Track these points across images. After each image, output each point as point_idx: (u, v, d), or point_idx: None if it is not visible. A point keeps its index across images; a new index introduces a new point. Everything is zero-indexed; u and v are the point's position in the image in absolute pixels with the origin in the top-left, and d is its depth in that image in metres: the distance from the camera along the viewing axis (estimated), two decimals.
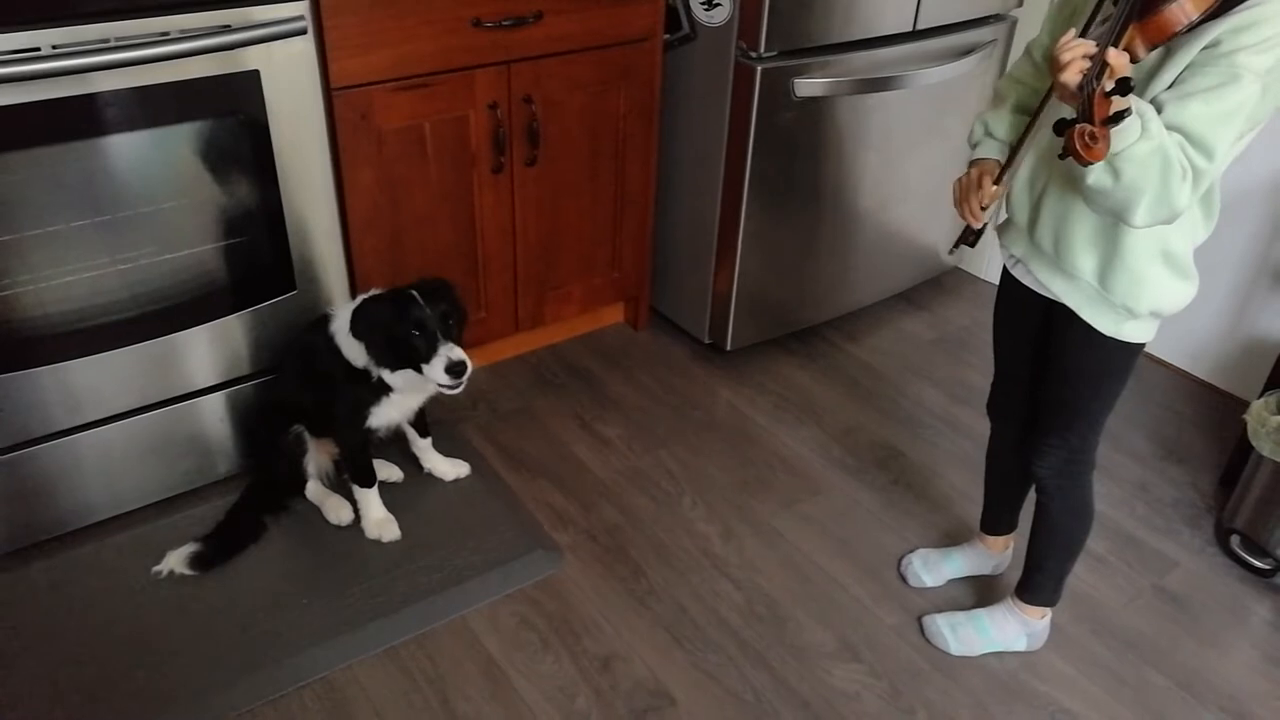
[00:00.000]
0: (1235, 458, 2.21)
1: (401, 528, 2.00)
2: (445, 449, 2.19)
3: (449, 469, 2.17)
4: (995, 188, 1.44)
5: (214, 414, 2.03)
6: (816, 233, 2.54)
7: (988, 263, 3.06)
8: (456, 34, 1.99)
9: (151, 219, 1.80)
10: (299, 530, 2.02)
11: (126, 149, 1.73)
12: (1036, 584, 1.78)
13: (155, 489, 2.02)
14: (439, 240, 2.20)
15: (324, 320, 1.91)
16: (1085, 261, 1.41)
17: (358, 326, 1.81)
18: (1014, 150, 1.43)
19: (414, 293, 1.79)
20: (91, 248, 1.76)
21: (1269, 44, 1.17)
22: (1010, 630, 1.83)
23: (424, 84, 2.00)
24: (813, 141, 2.37)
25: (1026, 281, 1.53)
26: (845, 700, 1.74)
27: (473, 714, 1.68)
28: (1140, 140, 1.16)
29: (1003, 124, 1.50)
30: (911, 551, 2.03)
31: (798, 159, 2.37)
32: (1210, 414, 2.54)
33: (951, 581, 1.98)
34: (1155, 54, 1.25)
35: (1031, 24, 2.62)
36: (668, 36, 2.35)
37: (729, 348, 2.59)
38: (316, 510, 2.05)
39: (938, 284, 3.04)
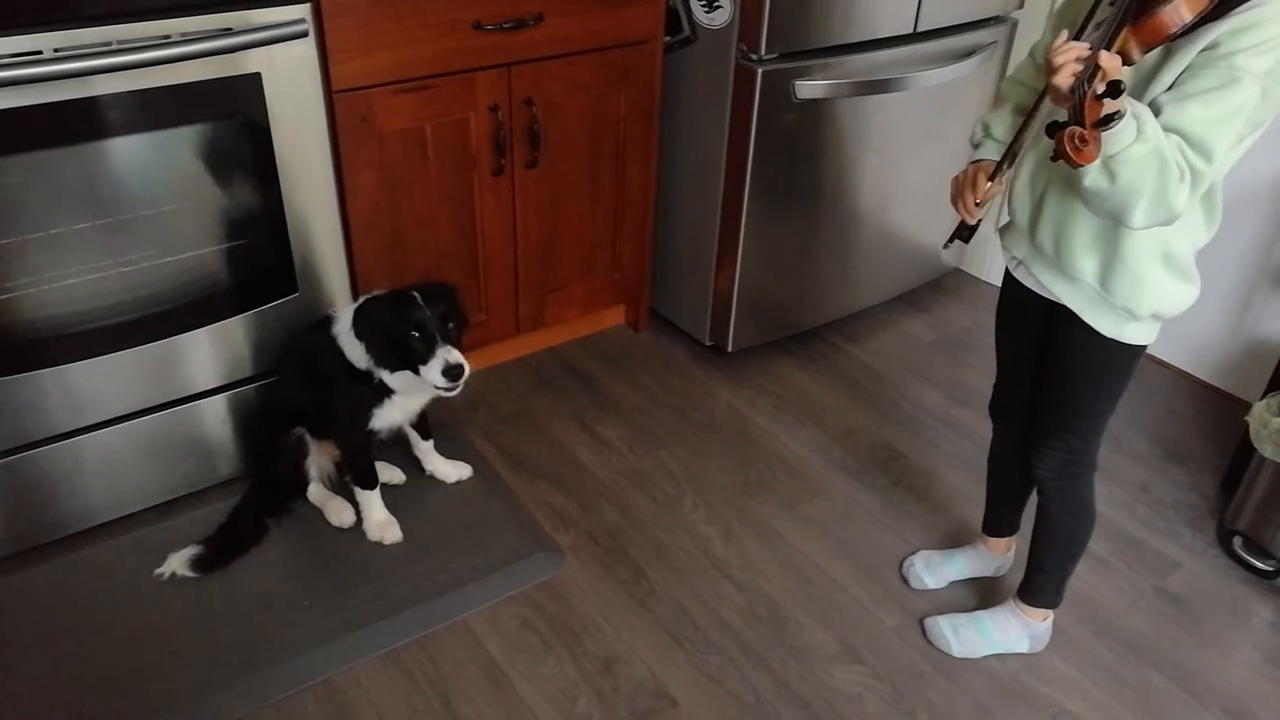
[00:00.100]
0: (1237, 459, 2.21)
1: (403, 530, 2.00)
2: (447, 451, 2.19)
3: (450, 471, 2.17)
4: (990, 185, 1.44)
5: (215, 416, 2.03)
6: (817, 234, 2.54)
7: (988, 264, 3.06)
8: (457, 36, 1.99)
9: (153, 222, 1.80)
10: (300, 532, 2.02)
11: (128, 152, 1.73)
12: (1038, 586, 1.78)
13: (157, 491, 2.02)
14: (440, 242, 2.20)
15: (326, 322, 1.91)
16: (1086, 263, 1.41)
17: (359, 325, 1.82)
18: (1010, 149, 1.43)
19: (415, 294, 1.79)
20: (93, 250, 1.76)
21: (1268, 45, 1.17)
22: (1012, 632, 1.82)
23: (425, 86, 2.00)
24: (813, 143, 2.37)
25: (1028, 283, 1.53)
26: (846, 702, 1.74)
27: (474, 716, 1.68)
28: (1136, 142, 1.16)
29: (1003, 124, 1.51)
30: (913, 553, 2.03)
31: (798, 161, 2.38)
32: (1212, 415, 2.54)
33: (953, 583, 1.98)
34: (1154, 56, 1.25)
35: (1032, 26, 2.63)
36: (668, 39, 2.35)
37: (729, 349, 2.59)
38: (318, 512, 2.05)
39: (938, 285, 3.04)
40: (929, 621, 1.88)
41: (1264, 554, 2.03)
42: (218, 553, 1.90)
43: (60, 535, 1.94)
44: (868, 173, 2.53)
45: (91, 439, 1.89)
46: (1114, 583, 2.02)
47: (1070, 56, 1.13)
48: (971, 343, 2.78)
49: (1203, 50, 1.20)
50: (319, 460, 2.06)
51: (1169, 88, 1.23)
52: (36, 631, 1.76)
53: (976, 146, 1.54)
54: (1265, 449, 1.95)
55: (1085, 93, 1.10)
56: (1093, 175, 1.21)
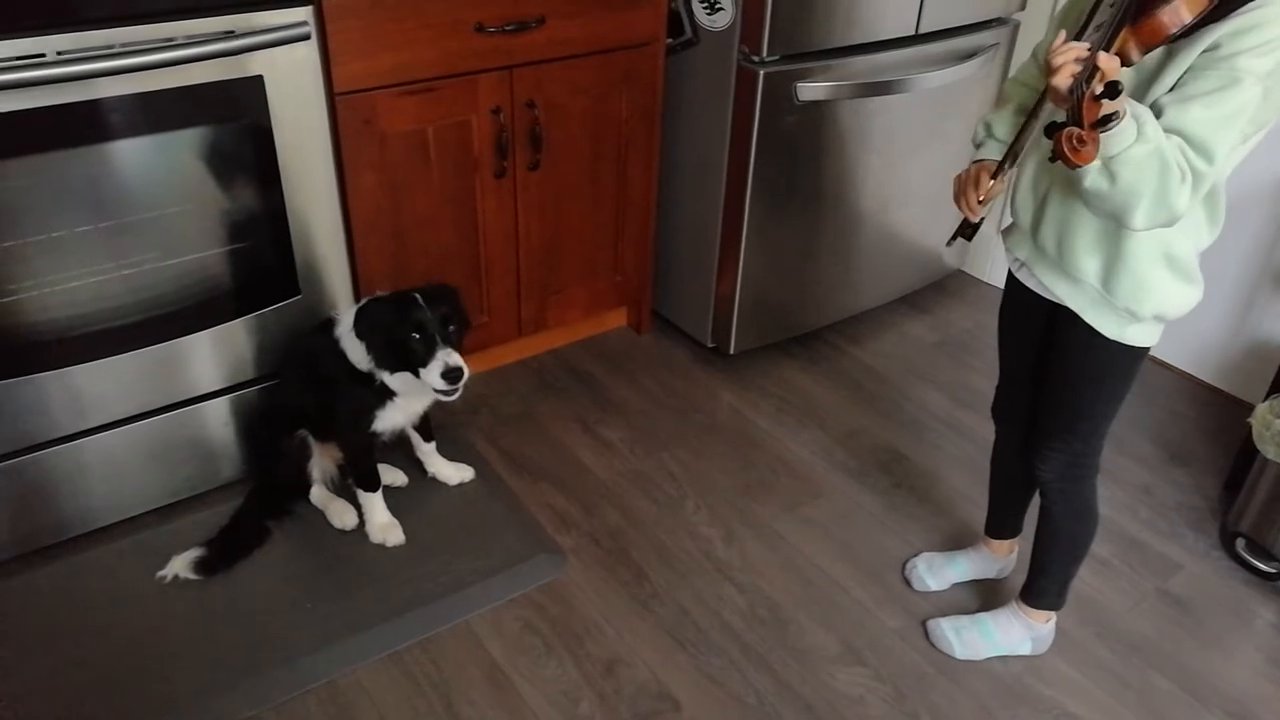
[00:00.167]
0: (1240, 461, 2.21)
1: (405, 532, 2.00)
2: (449, 453, 2.20)
3: (453, 473, 2.17)
4: (993, 184, 1.44)
5: (218, 419, 2.03)
6: (819, 236, 2.54)
7: (990, 266, 3.06)
8: (459, 39, 2.00)
9: (155, 224, 1.81)
10: (303, 535, 2.02)
11: (131, 155, 1.73)
12: (1041, 588, 1.78)
13: (159, 494, 2.03)
14: (442, 244, 2.20)
15: (328, 324, 1.91)
16: (1088, 264, 1.41)
17: (359, 326, 1.82)
18: (1011, 148, 1.43)
19: (417, 296, 1.79)
20: (96, 253, 1.77)
21: (1270, 47, 1.17)
22: (1015, 634, 1.82)
23: (427, 89, 2.00)
24: (815, 145, 2.37)
25: (1030, 285, 1.53)
26: (849, 704, 1.74)
27: (476, 718, 1.68)
28: (1137, 143, 1.16)
29: (1004, 124, 1.51)
30: (915, 555, 2.03)
31: (800, 163, 2.38)
32: (1214, 417, 2.53)
33: (956, 585, 1.98)
34: (1156, 58, 1.25)
35: (1034, 27, 2.63)
36: (670, 41, 2.35)
37: (731, 351, 2.59)
38: (320, 515, 2.05)
39: (940, 287, 3.04)
40: (931, 623, 1.88)
41: (1267, 556, 2.03)
42: (220, 555, 1.90)
43: (63, 538, 1.94)
44: (870, 174, 2.53)
45: (94, 442, 1.89)
46: (1117, 585, 2.02)
47: (1069, 57, 1.14)
48: (974, 344, 2.78)
49: (1204, 51, 1.20)
50: (321, 462, 2.06)
51: (1170, 89, 1.23)
52: (38, 633, 1.76)
53: (978, 146, 1.54)
54: (1268, 450, 1.95)
55: (1083, 93, 1.11)
56: (1093, 176, 1.21)
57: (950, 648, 1.83)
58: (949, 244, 1.58)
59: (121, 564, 1.91)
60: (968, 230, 1.52)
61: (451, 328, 1.80)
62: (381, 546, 1.99)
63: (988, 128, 1.53)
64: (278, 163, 1.87)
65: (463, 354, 1.80)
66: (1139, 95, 1.27)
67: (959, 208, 1.50)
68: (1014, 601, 1.83)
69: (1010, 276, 1.59)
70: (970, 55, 2.52)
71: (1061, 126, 1.14)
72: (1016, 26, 2.66)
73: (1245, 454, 2.14)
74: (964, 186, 1.49)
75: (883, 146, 2.50)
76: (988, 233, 2.98)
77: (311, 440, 2.03)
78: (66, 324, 1.79)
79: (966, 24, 2.51)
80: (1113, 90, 1.10)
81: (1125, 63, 1.17)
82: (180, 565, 1.88)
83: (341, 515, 2.03)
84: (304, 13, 1.78)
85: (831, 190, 2.48)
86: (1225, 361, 2.60)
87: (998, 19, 2.59)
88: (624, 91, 2.31)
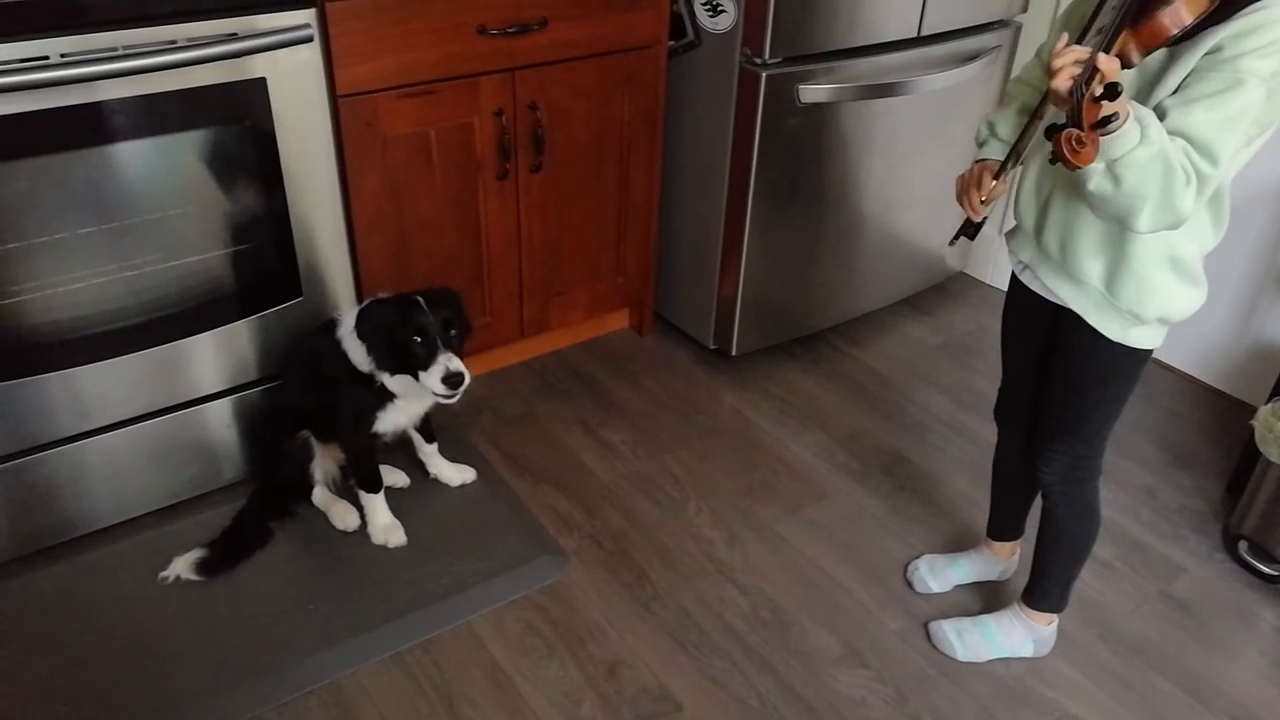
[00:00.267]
0: (1242, 463, 2.20)
1: (407, 533, 2.01)
2: (451, 454, 2.20)
3: (455, 474, 2.17)
4: (995, 184, 1.44)
5: (220, 420, 2.04)
6: (821, 238, 2.54)
7: (992, 268, 3.05)
8: (462, 41, 2.00)
9: (158, 226, 1.81)
10: (305, 536, 2.02)
11: (134, 157, 1.74)
12: (1043, 590, 1.78)
13: (161, 495, 2.03)
14: (444, 246, 2.20)
15: (330, 325, 1.92)
16: (1092, 267, 1.41)
17: (361, 327, 1.82)
18: (1014, 148, 1.43)
19: (419, 299, 1.79)
20: (98, 254, 1.77)
21: (1273, 48, 1.17)
22: (1017, 636, 1.82)
23: (429, 91, 2.01)
24: (817, 147, 2.37)
25: (1034, 287, 1.53)
26: (851, 706, 1.74)
27: None
28: (1140, 146, 1.16)
29: (1008, 124, 1.51)
30: (918, 557, 2.02)
31: (802, 165, 2.38)
32: (1217, 419, 2.53)
33: (958, 587, 1.98)
34: (1159, 60, 1.25)
35: (1036, 29, 2.63)
36: (672, 43, 2.36)
37: (734, 353, 2.59)
38: (322, 516, 2.06)
39: (943, 289, 3.04)
40: (933, 625, 1.87)
41: (1270, 558, 2.02)
42: (222, 556, 1.91)
43: (65, 538, 1.94)
44: (872, 176, 2.53)
45: (97, 443, 1.89)
46: (1119, 587, 2.01)
47: (1069, 60, 1.14)
48: (976, 346, 2.78)
49: (1207, 54, 1.20)
50: (323, 464, 2.06)
51: (1174, 92, 1.23)
52: (40, 634, 1.77)
53: (981, 145, 1.54)
54: (1271, 453, 1.95)
55: (1083, 95, 1.11)
56: (1097, 179, 1.21)
57: (952, 650, 1.83)
58: (951, 243, 1.58)
59: (124, 565, 1.91)
60: (970, 230, 1.53)
61: (453, 332, 1.80)
62: (383, 548, 1.99)
63: (990, 127, 1.53)
64: (280, 165, 1.87)
65: (464, 357, 1.80)
66: (1142, 98, 1.27)
67: (962, 207, 1.50)
68: (1016, 603, 1.83)
69: (1013, 279, 1.59)
70: (972, 57, 2.52)
71: (1061, 128, 1.14)
72: (1019, 28, 2.66)
73: (1248, 456, 2.14)
74: (966, 187, 1.49)
75: (885, 148, 2.50)
76: (990, 235, 2.98)
77: (314, 441, 2.03)
78: (69, 325, 1.79)
79: (969, 26, 2.51)
80: (1112, 92, 1.10)
81: (1126, 65, 1.17)
82: (182, 566, 1.88)
83: (343, 516, 2.03)
84: (307, 15, 1.78)
85: (834, 192, 2.48)
86: (1228, 364, 2.60)
87: (1000, 21, 2.59)
88: (626, 93, 2.31)
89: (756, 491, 2.22)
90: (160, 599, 1.85)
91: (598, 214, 2.43)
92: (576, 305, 2.54)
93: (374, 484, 2.00)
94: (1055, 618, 1.82)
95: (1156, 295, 1.39)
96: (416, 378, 1.79)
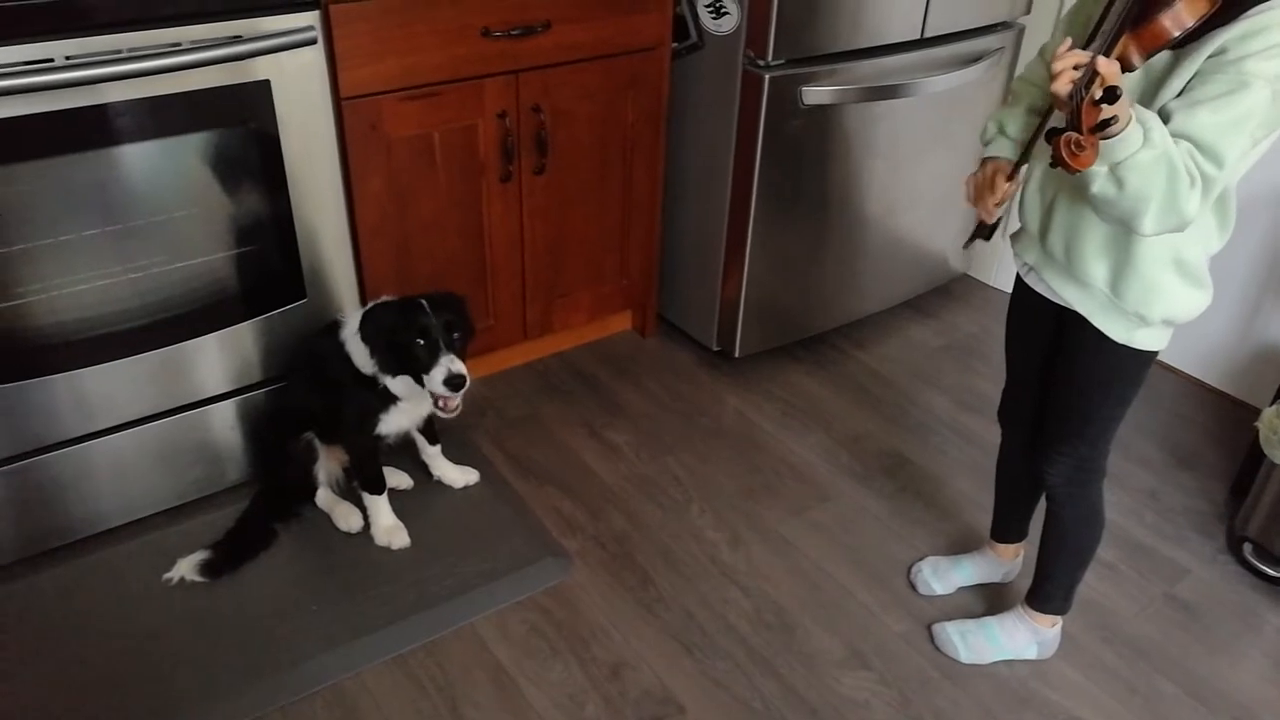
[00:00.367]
0: (1246, 465, 2.20)
1: (411, 535, 2.01)
2: (454, 456, 2.20)
3: (458, 476, 2.17)
4: (1008, 185, 1.44)
5: (224, 421, 2.04)
6: (824, 240, 2.54)
7: (995, 270, 3.05)
8: (465, 43, 2.00)
9: (162, 228, 1.81)
10: (309, 537, 2.02)
11: (138, 159, 1.74)
12: (1047, 592, 1.78)
13: (166, 496, 2.03)
14: (447, 248, 2.21)
15: (334, 327, 1.92)
16: (1097, 269, 1.41)
17: (365, 329, 1.82)
18: (1026, 148, 1.43)
19: (423, 302, 1.80)
20: (103, 257, 1.77)
21: (1278, 49, 1.16)
22: (1020, 638, 1.82)
23: (433, 93, 2.01)
24: (820, 149, 2.37)
25: (1039, 289, 1.53)
26: (854, 708, 1.74)
27: None
28: (1143, 149, 1.16)
29: (1016, 122, 1.50)
30: (921, 559, 2.02)
31: (805, 166, 2.38)
32: (1221, 421, 2.53)
33: (961, 589, 1.98)
34: (1163, 63, 1.25)
35: (1039, 31, 2.63)
36: (676, 45, 2.36)
37: (737, 355, 2.59)
38: (326, 517, 2.06)
39: (946, 291, 3.03)
40: (937, 627, 1.87)
41: (1274, 560, 2.02)
42: (226, 557, 1.91)
43: (70, 540, 1.95)
44: (875, 178, 2.53)
45: (101, 444, 1.90)
46: (1123, 589, 2.01)
47: (1069, 63, 1.14)
48: (979, 348, 2.77)
49: (1211, 56, 1.20)
50: (327, 465, 2.06)
51: (1179, 94, 1.23)
52: (44, 635, 1.77)
53: (988, 143, 1.53)
54: (1275, 455, 1.95)
55: (1083, 98, 1.11)
56: (1100, 182, 1.21)
57: (955, 652, 1.83)
58: (966, 246, 1.58)
59: (128, 566, 1.92)
60: (985, 231, 1.52)
61: (456, 335, 1.80)
62: (387, 549, 1.99)
63: (999, 125, 1.52)
64: (284, 167, 1.87)
65: (467, 359, 1.80)
66: (1147, 101, 1.27)
67: (975, 209, 1.49)
68: (1019, 606, 1.83)
69: (1018, 280, 1.59)
70: (976, 59, 2.52)
71: (1061, 132, 1.14)
72: (1022, 30, 2.66)
73: (1252, 458, 2.14)
74: (979, 191, 1.48)
75: (888, 150, 2.50)
76: (993, 237, 2.98)
77: (317, 443, 2.03)
78: (74, 327, 1.79)
79: (972, 28, 2.51)
80: (1111, 95, 1.10)
81: (1127, 68, 1.17)
82: (186, 567, 1.89)
83: (347, 518, 2.03)
84: (311, 18, 1.79)
85: (837, 194, 2.48)
86: (1232, 366, 2.59)
87: (1003, 23, 2.59)
88: (629, 96, 2.31)
89: (759, 493, 2.22)
90: (164, 600, 1.85)
91: (601, 216, 2.43)
92: (580, 307, 2.54)
93: (377, 485, 2.00)
94: (1059, 620, 1.82)
95: (1162, 297, 1.39)
96: (419, 380, 1.79)
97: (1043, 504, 1.73)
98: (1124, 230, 1.31)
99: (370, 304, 1.89)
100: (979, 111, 2.61)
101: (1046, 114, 1.38)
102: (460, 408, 1.81)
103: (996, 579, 1.98)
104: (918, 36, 2.39)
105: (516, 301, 2.40)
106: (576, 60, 2.17)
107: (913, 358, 2.74)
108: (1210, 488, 2.30)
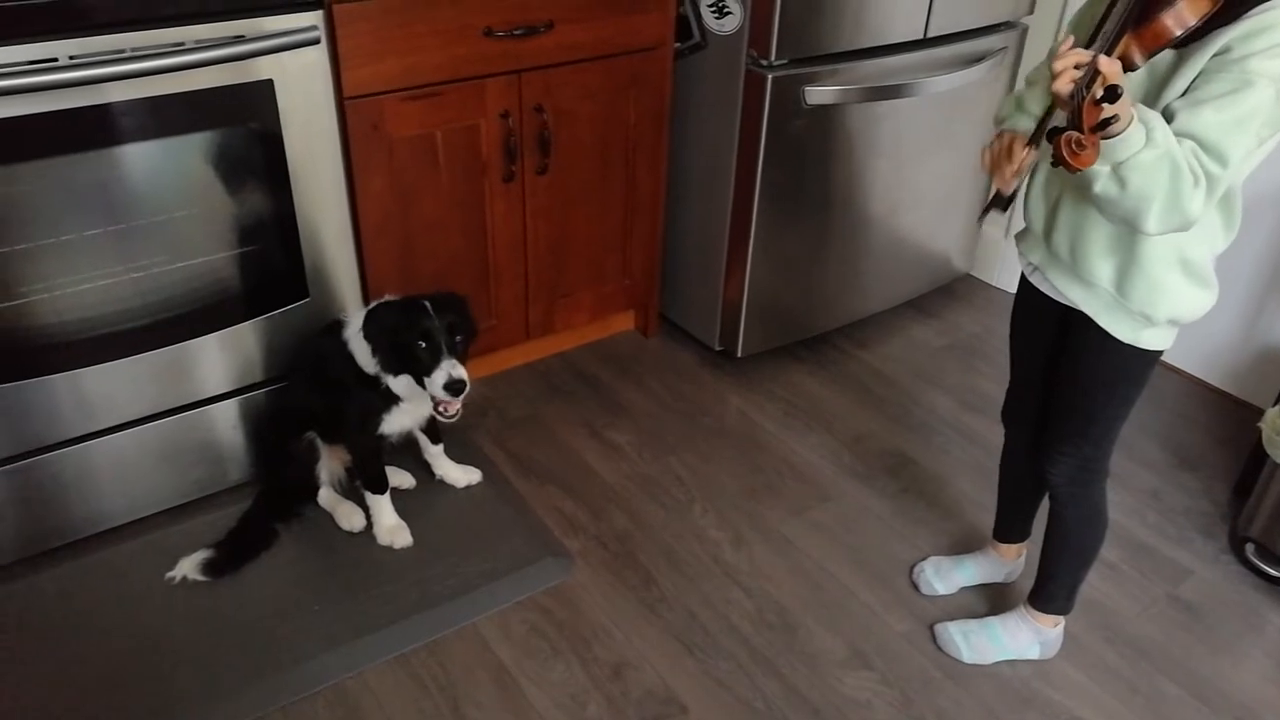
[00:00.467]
0: (1250, 466, 2.20)
1: (413, 534, 2.01)
2: (457, 456, 2.20)
3: (460, 476, 2.17)
4: (1026, 153, 1.40)
5: (226, 421, 2.04)
6: (827, 240, 2.54)
7: (998, 270, 3.05)
8: (468, 43, 2.00)
9: (165, 227, 1.81)
10: (311, 537, 2.02)
11: (141, 158, 1.74)
12: (1049, 592, 1.78)
13: (167, 496, 2.03)
14: (450, 248, 2.21)
15: (336, 326, 1.92)
16: (1102, 269, 1.40)
17: (367, 329, 1.82)
18: (1044, 119, 1.40)
19: (425, 303, 1.80)
20: (105, 256, 1.77)
21: None
22: (1023, 638, 1.82)
23: (435, 93, 2.01)
24: (823, 149, 2.37)
25: (1044, 289, 1.52)
26: (856, 708, 1.73)
27: None
28: (1146, 148, 1.16)
29: (1037, 102, 1.45)
30: (923, 559, 2.02)
31: (808, 166, 2.38)
32: (1224, 422, 2.52)
33: (964, 589, 1.97)
34: (1167, 62, 1.25)
35: (1043, 31, 2.63)
36: (678, 45, 2.36)
37: (739, 355, 2.59)
38: (328, 517, 2.06)
39: (948, 291, 3.03)
40: (939, 627, 1.87)
41: (1277, 561, 2.02)
42: (228, 557, 1.91)
43: (71, 539, 1.95)
44: (878, 178, 2.53)
45: (103, 443, 1.90)
46: (1125, 589, 2.01)
47: (1070, 63, 1.14)
48: (982, 348, 2.77)
49: (1215, 55, 1.20)
50: (329, 465, 2.06)
51: (1183, 94, 1.23)
52: (44, 635, 1.77)
53: (1004, 120, 1.50)
54: (1278, 455, 1.94)
55: (1084, 98, 1.11)
56: (1103, 181, 1.21)
57: (958, 652, 1.83)
58: (981, 217, 1.55)
59: (129, 565, 1.92)
60: (1001, 202, 1.49)
61: (458, 338, 1.80)
62: (389, 549, 1.99)
63: (1018, 103, 1.49)
64: (287, 166, 1.88)
65: (469, 360, 1.80)
66: (1151, 100, 1.27)
67: (992, 180, 1.46)
68: (1022, 606, 1.83)
69: (1023, 280, 1.58)
70: (979, 59, 2.52)
71: (1062, 131, 1.14)
72: (1025, 30, 2.65)
73: (1255, 459, 2.14)
74: (998, 159, 1.45)
75: (891, 150, 2.50)
76: (996, 237, 2.98)
77: (319, 442, 2.03)
78: (76, 326, 1.79)
79: (975, 28, 2.50)
80: (1112, 94, 1.09)
81: (1129, 67, 1.17)
82: (188, 567, 1.89)
83: (349, 517, 2.03)
84: (314, 17, 1.79)
85: (839, 194, 2.48)
86: (1235, 366, 2.59)
87: (1006, 23, 2.59)
88: (632, 95, 2.31)
89: (762, 493, 2.22)
90: (165, 600, 1.85)
91: (603, 216, 2.43)
92: (582, 307, 2.54)
93: (380, 485, 2.00)
94: (1061, 620, 1.82)
95: (1167, 296, 1.39)
96: (420, 382, 1.79)
97: (1045, 504, 1.73)
98: (1128, 230, 1.31)
99: (373, 303, 1.89)
100: (982, 111, 2.61)
101: (1048, 113, 1.37)
102: (460, 413, 1.81)
103: (999, 579, 1.98)
104: (920, 36, 2.38)
105: (519, 301, 2.40)
106: (579, 60, 2.17)
107: (915, 358, 2.74)
108: (1213, 488, 2.30)
